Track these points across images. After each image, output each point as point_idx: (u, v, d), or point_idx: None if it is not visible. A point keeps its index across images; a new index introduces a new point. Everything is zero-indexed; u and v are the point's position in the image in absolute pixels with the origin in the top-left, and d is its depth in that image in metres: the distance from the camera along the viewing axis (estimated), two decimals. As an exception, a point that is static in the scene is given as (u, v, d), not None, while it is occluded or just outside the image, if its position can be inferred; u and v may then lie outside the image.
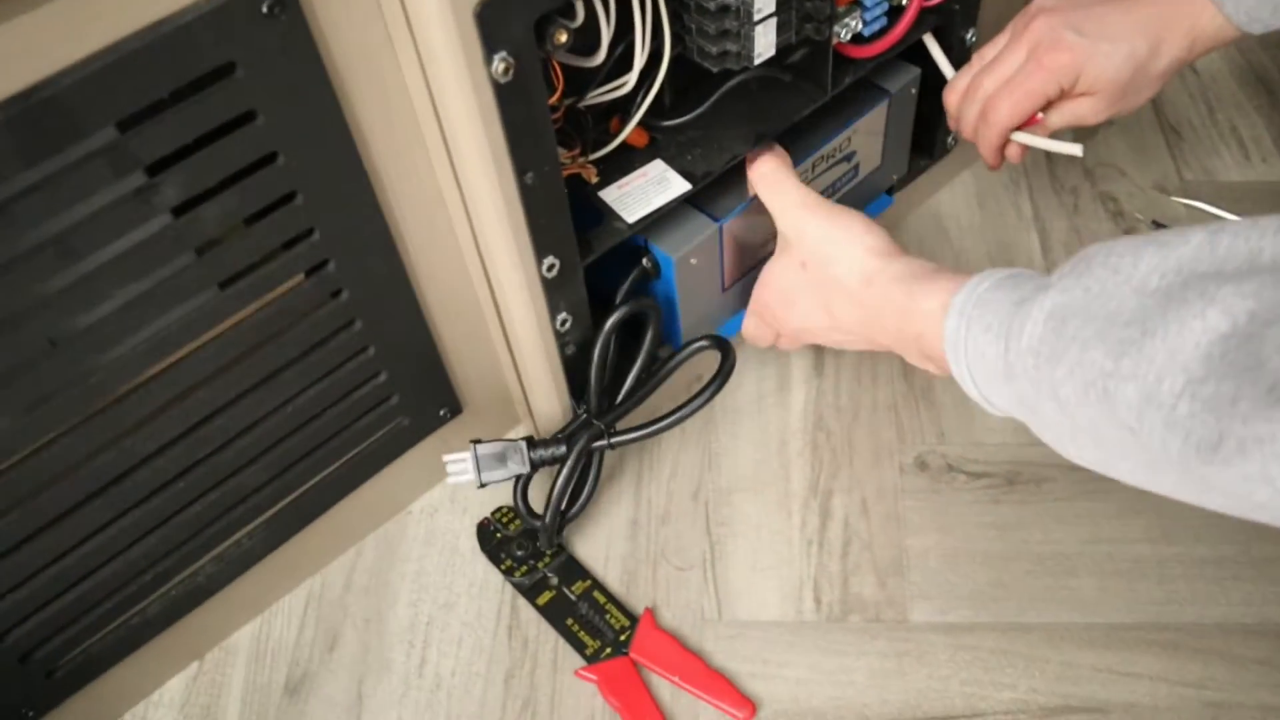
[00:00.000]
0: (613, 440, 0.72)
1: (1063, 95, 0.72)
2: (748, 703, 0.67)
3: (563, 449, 0.73)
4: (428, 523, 0.80)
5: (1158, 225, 0.92)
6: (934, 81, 0.82)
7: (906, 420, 0.81)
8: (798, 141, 0.76)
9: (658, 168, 0.70)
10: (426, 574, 0.77)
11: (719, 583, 0.74)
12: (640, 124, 0.71)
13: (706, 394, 0.71)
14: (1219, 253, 0.44)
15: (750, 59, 0.65)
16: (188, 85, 0.49)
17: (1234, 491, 0.42)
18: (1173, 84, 1.05)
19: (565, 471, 0.72)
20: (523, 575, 0.75)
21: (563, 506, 0.73)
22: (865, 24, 0.73)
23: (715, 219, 0.72)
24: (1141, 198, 0.95)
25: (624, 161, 0.71)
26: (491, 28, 0.50)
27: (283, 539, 0.73)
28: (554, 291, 0.65)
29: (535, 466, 0.73)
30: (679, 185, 0.69)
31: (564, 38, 0.54)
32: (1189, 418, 0.41)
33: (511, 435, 0.84)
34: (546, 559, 0.75)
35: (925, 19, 0.79)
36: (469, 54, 0.51)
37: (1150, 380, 0.42)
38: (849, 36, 0.72)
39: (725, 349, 0.73)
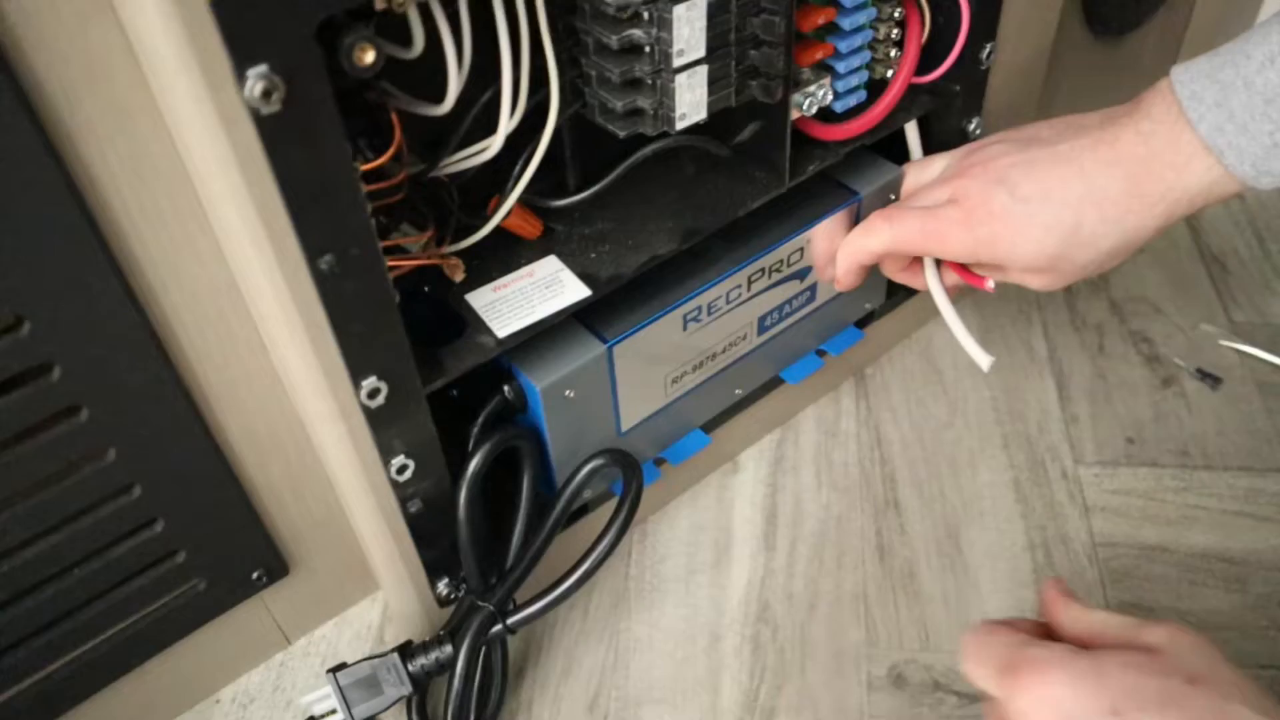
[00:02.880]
0: (510, 621, 0.54)
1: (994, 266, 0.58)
2: None
3: (449, 649, 0.54)
4: (238, 717, 0.60)
5: (1205, 376, 0.74)
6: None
7: (881, 615, 0.61)
8: (731, 247, 0.58)
9: (550, 266, 0.53)
10: (220, 795, 0.57)
11: (609, 838, 0.54)
12: (532, 209, 0.54)
13: (613, 529, 0.53)
14: None
15: (670, 121, 0.47)
16: None
17: None
18: (1214, 210, 0.89)
19: (458, 684, 0.54)
20: None
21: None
22: (836, 96, 0.56)
23: (604, 340, 0.53)
24: (1182, 340, 0.77)
25: (506, 256, 0.53)
26: (240, 30, 0.33)
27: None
28: (382, 427, 0.47)
29: (420, 682, 0.54)
30: (575, 291, 0.51)
31: (370, 57, 0.37)
32: None
33: (368, 605, 0.64)
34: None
35: (915, 99, 0.62)
36: (208, 69, 0.34)
37: None
38: (814, 110, 0.55)
39: (628, 465, 0.55)
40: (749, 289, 0.58)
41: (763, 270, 0.58)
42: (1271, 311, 0.79)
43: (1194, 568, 0.63)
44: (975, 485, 0.68)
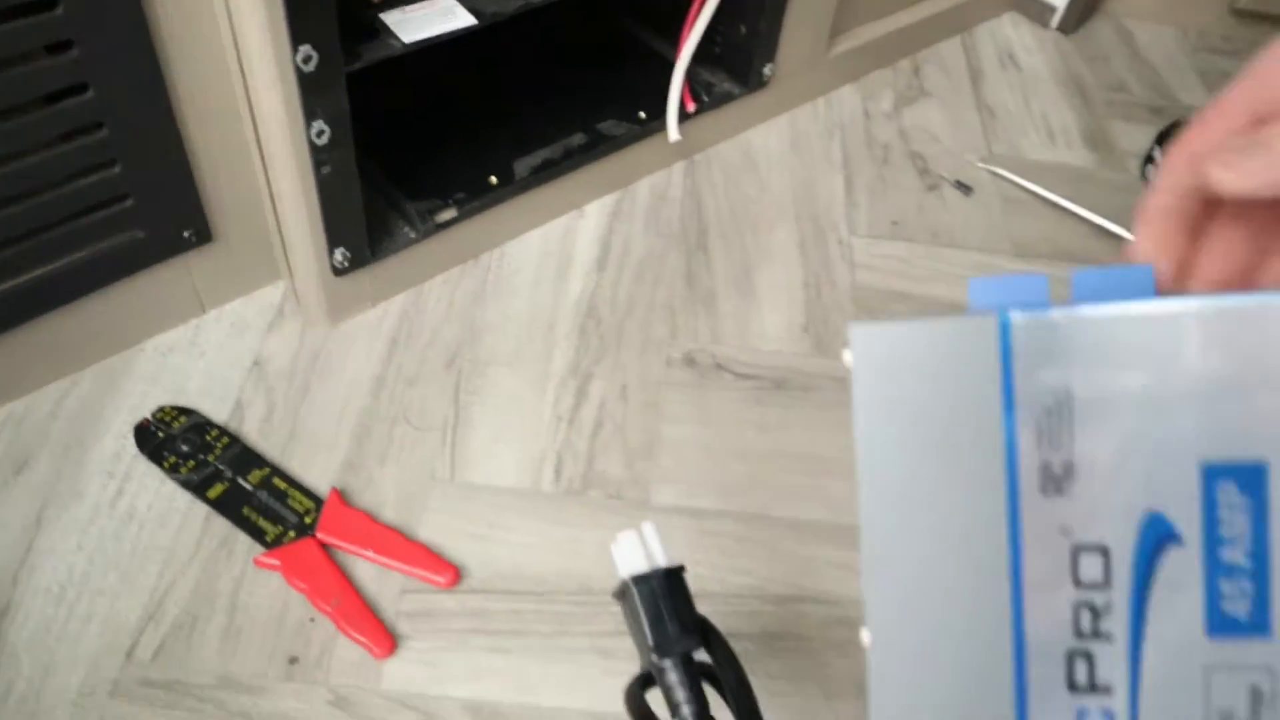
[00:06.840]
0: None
1: None
2: (449, 567, 0.62)
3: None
4: (159, 362, 0.74)
5: (960, 185, 0.93)
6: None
7: (683, 321, 0.79)
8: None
9: (447, 1, 0.67)
10: (147, 409, 0.71)
11: (457, 447, 0.70)
12: (436, -47, 0.68)
13: None
14: None
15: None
16: None
17: None
18: (995, 74, 1.08)
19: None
20: (190, 471, 0.67)
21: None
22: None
23: None
24: (950, 161, 0.96)
25: (413, -12, 0.68)
26: None
27: (-25, 339, 0.66)
28: (311, 91, 0.61)
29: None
30: (463, 19, 0.66)
31: None
32: None
33: (272, 290, 0.78)
34: (217, 451, 0.68)
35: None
36: None
37: None
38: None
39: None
40: None
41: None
42: (1022, 148, 0.99)
43: (929, 310, 0.82)
44: (770, 242, 0.85)
